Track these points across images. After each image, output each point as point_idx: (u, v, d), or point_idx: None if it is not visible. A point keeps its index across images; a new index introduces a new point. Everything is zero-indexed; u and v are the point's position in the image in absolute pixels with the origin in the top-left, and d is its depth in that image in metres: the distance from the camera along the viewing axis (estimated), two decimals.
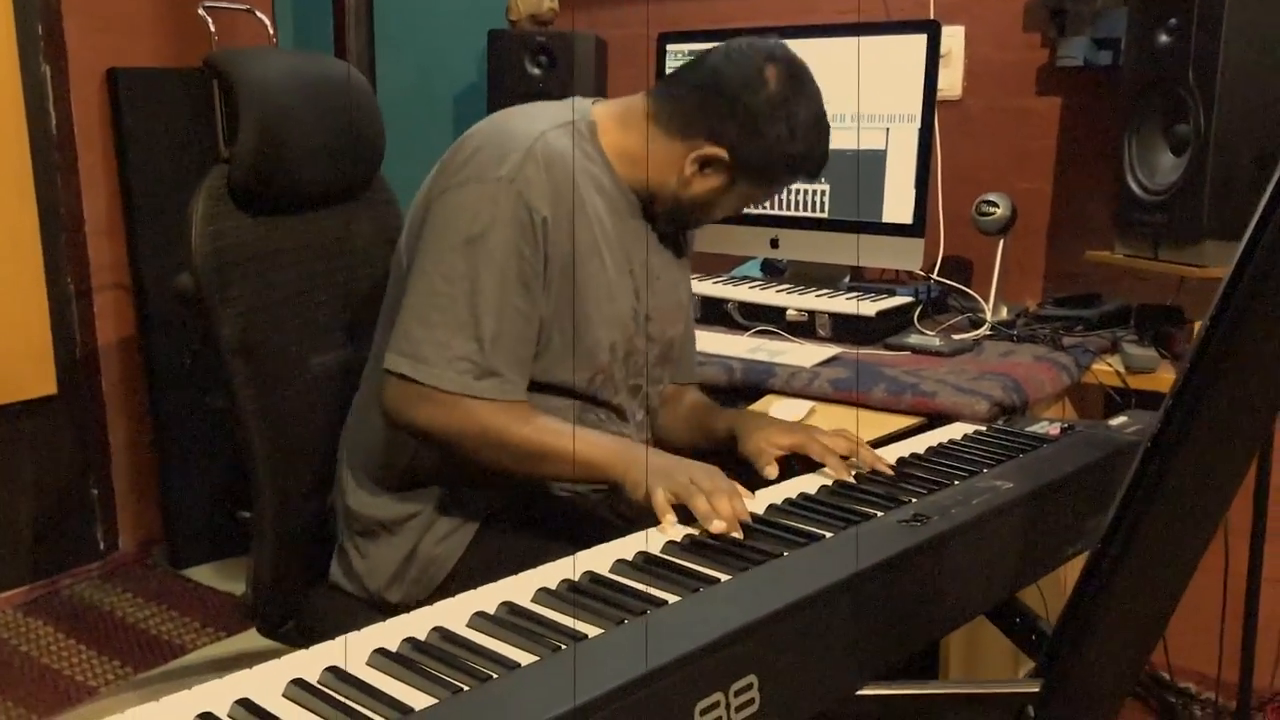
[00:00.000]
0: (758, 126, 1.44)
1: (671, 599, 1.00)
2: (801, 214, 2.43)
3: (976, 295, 2.36)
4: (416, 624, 0.95)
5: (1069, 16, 2.36)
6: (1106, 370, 2.08)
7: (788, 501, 1.28)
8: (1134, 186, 2.03)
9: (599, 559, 1.10)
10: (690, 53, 2.58)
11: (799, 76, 1.47)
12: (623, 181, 1.49)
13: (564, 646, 0.89)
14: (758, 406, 1.91)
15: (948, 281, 2.43)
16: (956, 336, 2.20)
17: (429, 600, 1.43)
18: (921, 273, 2.41)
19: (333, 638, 1.43)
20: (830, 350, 2.09)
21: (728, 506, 1.19)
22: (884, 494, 1.30)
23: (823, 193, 2.40)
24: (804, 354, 2.07)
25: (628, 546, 1.14)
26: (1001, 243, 2.32)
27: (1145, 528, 0.94)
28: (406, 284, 1.39)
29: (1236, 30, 1.80)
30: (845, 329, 2.21)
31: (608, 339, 1.48)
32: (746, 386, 1.98)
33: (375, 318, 1.53)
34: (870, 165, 2.33)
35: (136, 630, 2.81)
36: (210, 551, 3.21)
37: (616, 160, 1.48)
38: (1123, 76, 2.10)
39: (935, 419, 1.83)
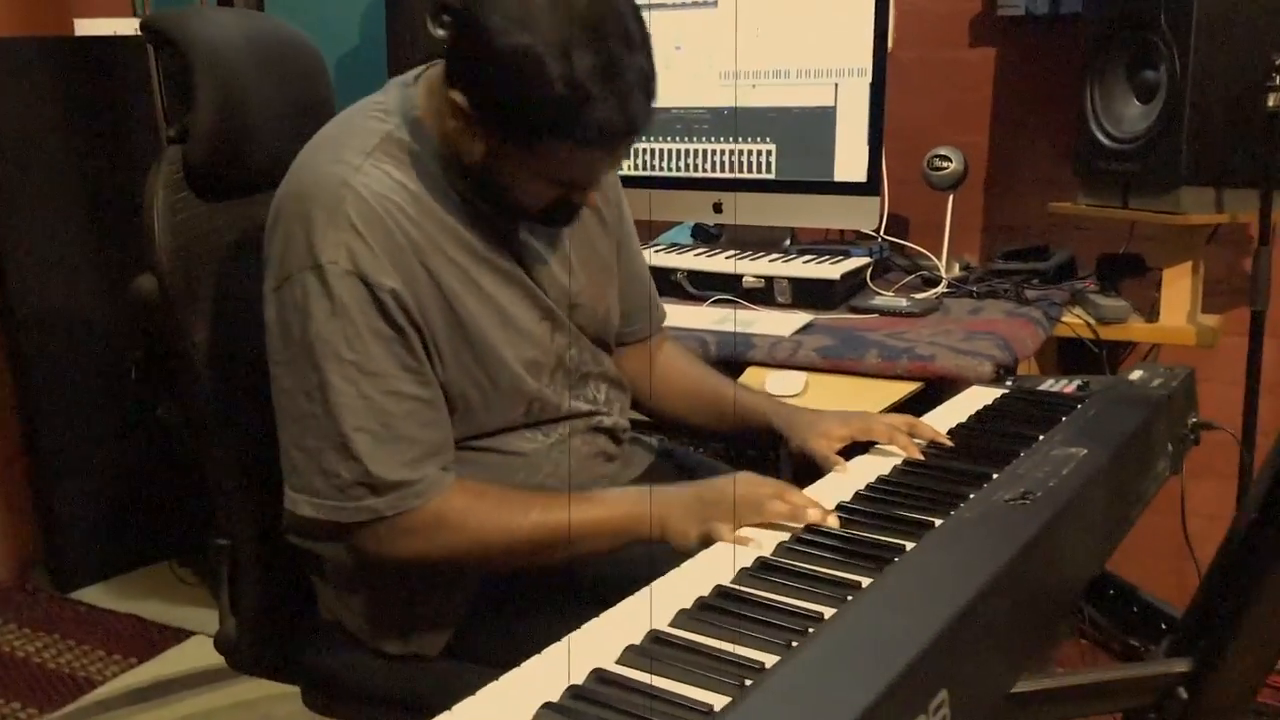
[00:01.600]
0: (491, 59, 1.08)
1: (826, 611, 0.89)
2: (747, 175, 2.33)
3: (929, 253, 2.31)
4: (555, 670, 0.81)
5: None
6: (1077, 322, 2.06)
7: (868, 488, 1.19)
8: (1099, 135, 2.01)
9: (707, 570, 0.98)
10: None
11: (588, 10, 1.08)
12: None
13: (748, 682, 0.77)
14: (746, 380, 1.81)
15: (901, 241, 2.38)
16: (918, 296, 2.15)
17: (450, 650, 1.28)
18: (871, 232, 2.35)
19: (344, 683, 1.32)
20: (801, 317, 2.01)
21: (804, 499, 1.09)
22: (964, 470, 1.22)
23: (769, 153, 2.31)
24: (776, 323, 1.98)
25: (723, 557, 1.03)
26: (951, 198, 2.27)
27: None
28: (271, 395, 1.19)
29: None
30: (805, 294, 2.13)
31: (524, 364, 1.27)
32: (724, 361, 1.88)
33: None
34: (820, 122, 2.24)
35: (30, 666, 2.53)
36: (98, 570, 2.93)
37: (446, 146, 1.20)
38: (1083, 24, 2.07)
39: (933, 383, 1.78)
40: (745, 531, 1.08)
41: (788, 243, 2.41)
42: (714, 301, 2.14)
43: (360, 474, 1.14)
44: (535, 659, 0.83)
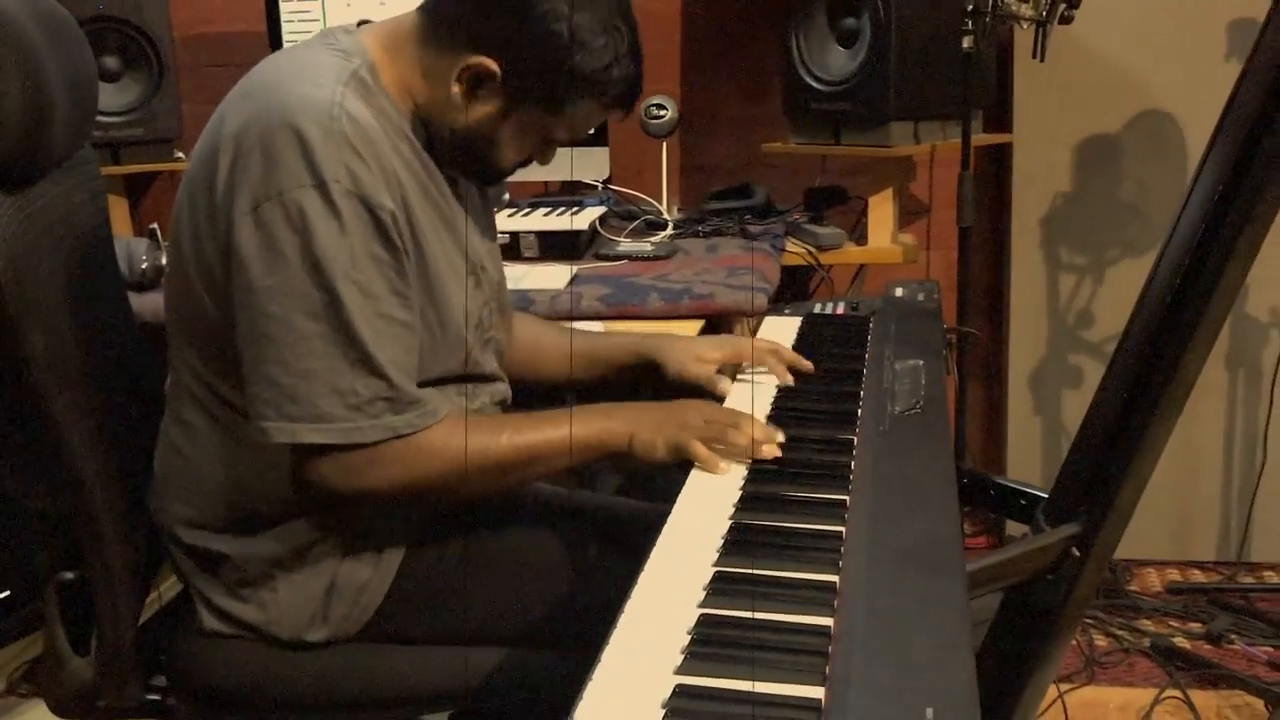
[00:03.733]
0: (533, 28, 1.17)
1: (840, 528, 0.97)
2: None
3: (649, 198, 2.43)
4: (621, 672, 0.79)
5: None
6: (800, 250, 2.26)
7: (774, 414, 1.29)
8: (807, 79, 2.20)
9: (695, 529, 1.02)
10: None
11: None
12: (409, 119, 1.25)
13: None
14: None
15: (622, 189, 2.48)
16: (653, 240, 2.26)
17: (368, 631, 1.25)
18: (592, 181, 2.43)
19: (261, 690, 1.24)
20: (565, 269, 2.05)
21: (761, 429, 1.16)
22: (832, 391, 1.35)
23: None
24: (545, 276, 2.01)
25: (706, 496, 1.08)
26: (665, 145, 2.40)
27: (1181, 367, 1.09)
28: (242, 328, 1.12)
29: None
30: (552, 246, 2.17)
31: (461, 315, 1.29)
32: None
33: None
34: None
35: None
36: None
37: (401, 97, 1.22)
38: None
39: (711, 319, 1.90)
40: (711, 454, 1.14)
41: (506, 196, 2.43)
42: None
43: (381, 389, 1.11)
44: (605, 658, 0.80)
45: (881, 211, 2.27)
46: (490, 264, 1.39)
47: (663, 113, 2.35)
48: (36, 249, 1.20)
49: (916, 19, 2.06)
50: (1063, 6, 1.92)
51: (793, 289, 2.42)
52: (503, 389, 1.39)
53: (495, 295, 1.40)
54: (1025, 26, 1.97)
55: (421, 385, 1.20)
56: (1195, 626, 2.33)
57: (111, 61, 2.46)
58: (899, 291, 1.80)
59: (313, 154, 1.08)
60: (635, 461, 1.20)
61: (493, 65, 1.17)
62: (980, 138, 2.31)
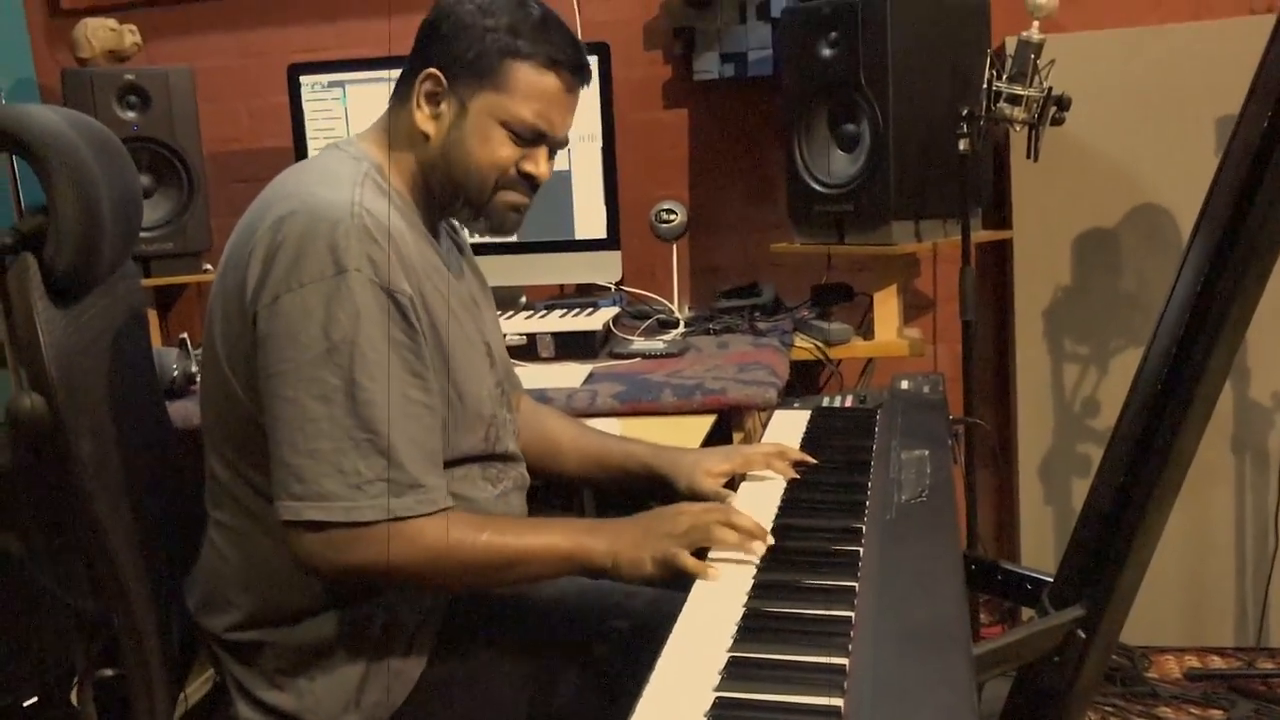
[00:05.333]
0: (456, 27, 1.31)
1: (849, 613, 1.01)
2: (489, 240, 2.40)
3: (660, 298, 2.51)
4: None
5: (698, 34, 2.58)
6: (809, 346, 2.33)
7: (782, 507, 1.33)
8: (810, 182, 2.29)
9: (710, 616, 1.06)
10: (329, 83, 2.45)
11: None
12: (420, 208, 1.37)
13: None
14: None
15: (636, 290, 2.56)
16: (665, 338, 2.33)
17: (401, 717, 1.29)
18: (605, 284, 2.51)
19: None
20: (579, 368, 2.12)
21: (748, 521, 1.20)
22: (841, 482, 1.39)
23: None
24: (562, 375, 2.07)
25: (720, 584, 1.12)
26: (675, 247, 2.48)
27: (1175, 450, 1.14)
28: (266, 415, 1.19)
29: (899, 39, 2.11)
30: (568, 346, 2.24)
31: (487, 387, 1.39)
32: None
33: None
34: (556, 185, 2.37)
35: None
36: None
37: (403, 188, 1.35)
38: (781, 87, 2.35)
39: (724, 414, 1.95)
40: (700, 564, 1.16)
41: (523, 300, 2.51)
42: None
43: (381, 470, 1.16)
44: None
45: (887, 307, 2.33)
46: (497, 344, 1.48)
47: (672, 217, 2.44)
48: (85, 359, 1.27)
49: (913, 124, 2.15)
50: (1053, 110, 2.01)
51: (803, 383, 2.48)
52: (524, 472, 1.45)
53: (506, 376, 1.48)
54: (1018, 129, 2.06)
55: (447, 465, 1.26)
56: (1216, 714, 2.32)
57: (145, 179, 2.57)
58: (904, 384, 1.85)
59: (336, 247, 1.17)
60: (624, 581, 1.23)
61: (434, 71, 1.32)
62: (981, 234, 2.38)
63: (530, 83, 1.32)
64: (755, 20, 2.55)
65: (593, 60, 2.27)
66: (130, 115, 2.52)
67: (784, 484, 1.42)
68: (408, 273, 1.23)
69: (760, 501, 1.37)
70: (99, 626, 1.29)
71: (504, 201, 1.37)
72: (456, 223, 1.52)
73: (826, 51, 2.21)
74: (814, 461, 1.47)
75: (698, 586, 1.12)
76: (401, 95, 1.36)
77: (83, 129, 1.33)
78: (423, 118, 1.33)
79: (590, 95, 2.32)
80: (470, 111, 1.32)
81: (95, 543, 1.22)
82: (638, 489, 1.53)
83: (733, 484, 1.48)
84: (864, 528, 1.23)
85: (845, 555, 1.15)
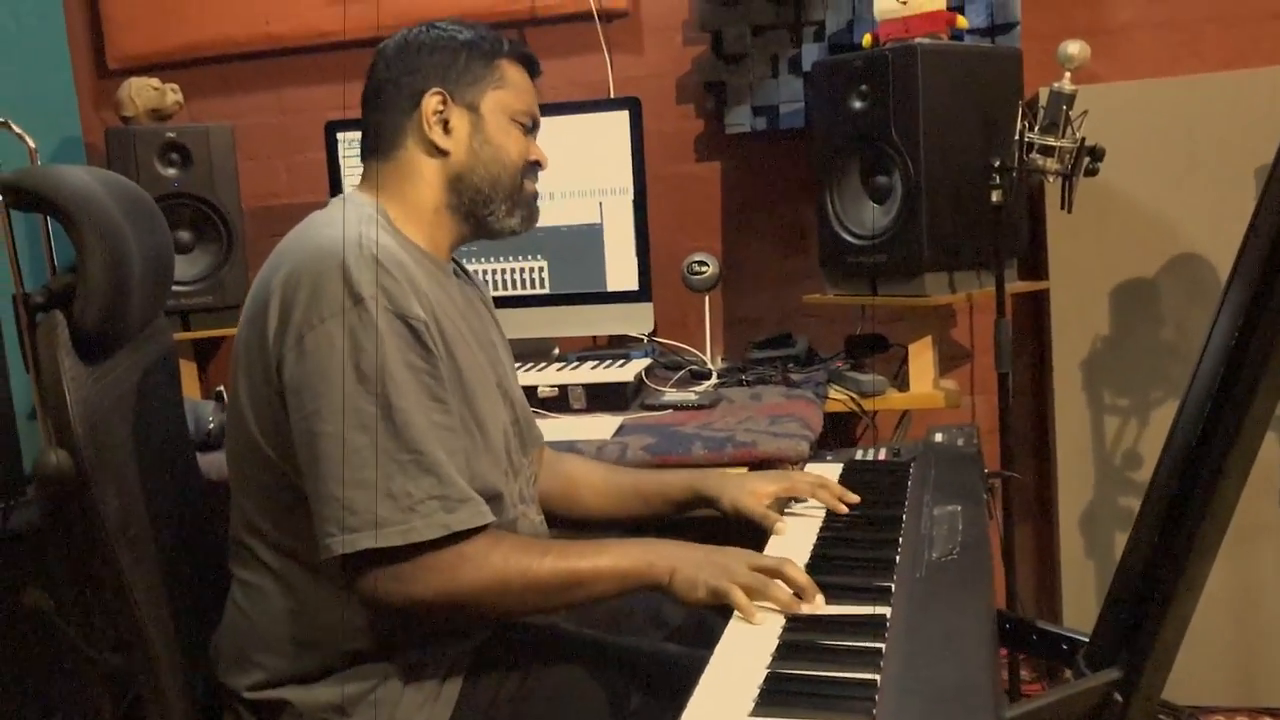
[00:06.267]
0: (430, 50, 1.41)
1: (875, 676, 0.99)
2: (522, 292, 2.43)
3: (692, 349, 2.50)
4: None
5: (729, 88, 2.59)
6: (843, 397, 2.30)
7: (812, 562, 1.31)
8: (843, 234, 2.28)
9: (739, 672, 1.05)
10: None
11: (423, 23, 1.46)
12: (429, 249, 1.41)
13: None
14: None
15: (665, 341, 2.55)
16: (698, 390, 2.32)
17: None
18: (638, 335, 2.50)
19: None
20: (610, 419, 2.11)
21: (803, 577, 1.19)
22: (872, 538, 1.37)
23: (541, 269, 2.42)
24: (592, 427, 2.07)
25: (744, 642, 1.10)
26: (707, 298, 2.48)
27: (1213, 505, 1.10)
28: (302, 457, 1.20)
29: (930, 91, 2.11)
30: (599, 398, 2.23)
31: (502, 425, 1.40)
32: None
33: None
34: (588, 238, 2.39)
35: None
36: None
37: (410, 230, 1.39)
38: (811, 138, 2.35)
39: (755, 466, 1.93)
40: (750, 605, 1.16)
41: (555, 351, 2.52)
42: None
43: (432, 486, 1.17)
44: None
45: (922, 359, 2.31)
46: (514, 391, 1.50)
47: (704, 268, 2.44)
48: (112, 415, 1.28)
49: (945, 175, 2.14)
50: (1087, 161, 1.99)
51: (838, 435, 2.45)
52: (539, 525, 1.45)
53: (526, 425, 1.50)
54: (1051, 180, 2.04)
55: None
56: None
57: (185, 235, 2.61)
58: (938, 437, 1.83)
59: (350, 279, 1.19)
60: (674, 598, 1.23)
61: (436, 96, 1.39)
62: (1016, 285, 2.36)
63: (518, 77, 1.45)
64: (787, 74, 2.56)
65: (624, 115, 2.34)
66: (171, 172, 2.57)
67: (815, 537, 1.40)
68: (420, 297, 1.25)
69: (799, 541, 1.36)
70: (125, 683, 1.28)
71: (530, 190, 1.48)
72: (465, 269, 1.57)
73: (857, 104, 2.21)
74: (856, 499, 1.47)
75: (721, 645, 1.10)
76: (391, 140, 1.41)
77: (115, 189, 1.36)
78: (439, 137, 1.39)
79: (622, 149, 2.35)
80: (484, 113, 1.41)
81: (119, 599, 1.22)
82: (678, 519, 1.53)
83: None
84: (893, 586, 1.20)
85: (873, 616, 1.13)
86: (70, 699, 1.55)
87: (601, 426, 2.06)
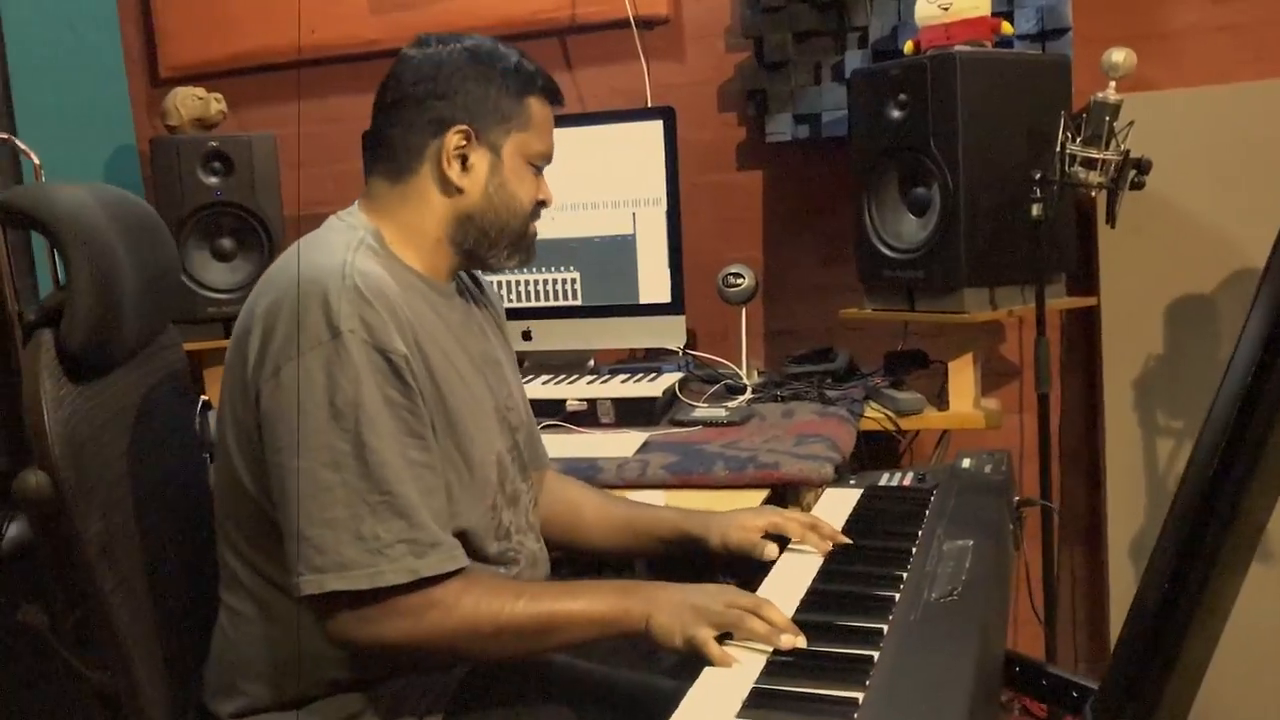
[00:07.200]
0: (459, 83, 1.34)
1: None
2: (554, 304, 2.40)
3: (727, 362, 2.45)
4: None
5: (770, 96, 2.54)
6: (879, 416, 2.24)
7: (806, 602, 1.26)
8: (881, 247, 2.21)
9: (704, 708, 1.01)
10: None
11: (449, 36, 1.39)
12: (426, 272, 1.36)
13: None
14: None
15: (701, 354, 2.50)
16: (730, 405, 2.27)
17: None
18: (674, 348, 2.46)
19: None
20: (635, 436, 2.07)
21: (781, 617, 1.14)
22: (875, 574, 1.31)
23: (574, 280, 2.39)
24: (615, 444, 2.03)
25: (715, 691, 1.06)
26: (744, 311, 2.42)
27: (1223, 555, 1.03)
28: (274, 490, 1.18)
29: (969, 100, 2.04)
30: (628, 412, 2.20)
31: (492, 457, 1.36)
32: None
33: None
34: (621, 249, 2.35)
35: None
36: None
37: (408, 254, 1.35)
38: (852, 150, 2.28)
39: (778, 488, 1.88)
40: (729, 650, 1.12)
41: (591, 363, 2.48)
42: (542, 428, 2.16)
43: (402, 530, 1.14)
44: None
45: (962, 376, 2.23)
46: (518, 406, 1.47)
47: (739, 281, 2.39)
48: (102, 434, 1.27)
49: (985, 187, 2.06)
50: (1133, 174, 1.90)
51: (878, 454, 2.38)
52: (540, 550, 1.42)
53: (528, 445, 1.47)
54: (1095, 194, 1.96)
55: (456, 535, 1.23)
56: None
57: (226, 243, 2.64)
58: (966, 462, 1.75)
59: (329, 311, 1.16)
60: (652, 645, 1.19)
61: (461, 130, 1.33)
62: (1064, 301, 2.27)
63: (543, 116, 1.40)
64: (830, 81, 2.50)
65: (658, 125, 2.30)
66: (213, 181, 2.59)
67: (815, 571, 1.35)
68: (402, 331, 1.21)
69: (786, 589, 1.30)
70: (110, 702, 1.28)
71: (533, 232, 1.44)
72: (479, 282, 1.54)
73: (895, 113, 2.15)
74: (847, 541, 1.41)
75: (695, 688, 1.06)
76: (405, 162, 1.35)
77: (115, 206, 1.36)
78: (456, 174, 1.34)
79: (656, 158, 2.31)
80: (504, 156, 1.37)
81: (100, 620, 1.21)
82: (669, 555, 1.49)
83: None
84: (885, 629, 1.15)
85: (857, 661, 1.07)
86: (66, 717, 1.56)
87: (626, 443, 2.03)
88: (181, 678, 1.33)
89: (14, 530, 1.26)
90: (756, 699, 1.02)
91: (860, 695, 1.00)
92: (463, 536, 1.27)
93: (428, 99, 1.34)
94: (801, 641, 1.12)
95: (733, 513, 1.48)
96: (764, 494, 1.86)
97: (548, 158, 1.43)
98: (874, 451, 2.37)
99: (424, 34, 1.40)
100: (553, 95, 1.42)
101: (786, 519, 1.43)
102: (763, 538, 1.43)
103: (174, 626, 1.33)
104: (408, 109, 1.34)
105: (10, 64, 2.29)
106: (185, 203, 2.57)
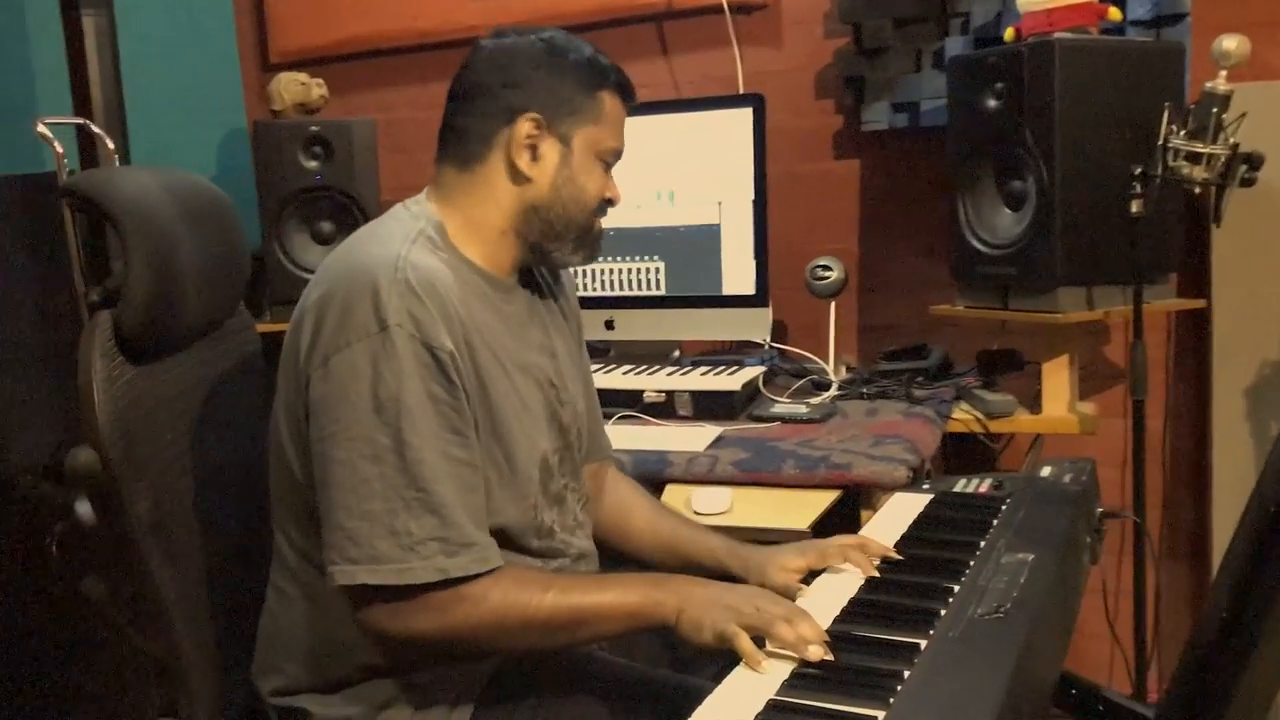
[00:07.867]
0: (540, 69, 1.33)
1: None
2: (637, 293, 2.38)
3: (815, 357, 2.39)
4: None
5: (867, 84, 2.47)
6: (967, 418, 2.16)
7: (845, 612, 1.21)
8: (974, 242, 2.13)
9: (720, 715, 0.98)
10: None
11: (525, 27, 1.39)
12: (487, 267, 1.35)
13: None
14: (669, 499, 1.82)
15: (790, 348, 2.45)
16: (813, 401, 2.21)
17: None
18: (759, 340, 2.41)
19: None
20: (709, 430, 2.04)
21: (811, 629, 1.10)
22: (925, 585, 1.26)
23: (658, 270, 2.36)
24: (688, 438, 2.00)
25: (737, 695, 1.03)
26: (833, 305, 2.36)
27: None
28: (316, 478, 1.19)
29: (1067, 90, 1.94)
30: (706, 405, 2.17)
31: (536, 458, 1.34)
32: (643, 479, 1.89)
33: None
34: (706, 239, 2.32)
35: None
36: None
37: (471, 247, 1.33)
38: (948, 140, 2.20)
39: (851, 490, 1.83)
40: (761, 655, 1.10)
41: (677, 354, 2.46)
42: (619, 418, 2.15)
43: (434, 528, 1.15)
44: None
45: (1057, 379, 2.13)
46: (573, 399, 1.44)
47: (828, 274, 2.33)
48: (156, 414, 1.30)
49: (1084, 182, 1.96)
50: (1243, 169, 1.78)
51: (972, 457, 2.30)
52: (587, 547, 1.40)
53: (590, 437, 1.47)
54: (1200, 190, 1.84)
55: (494, 532, 1.23)
56: None
57: (326, 225, 2.69)
58: (1045, 471, 1.68)
59: (380, 303, 1.16)
60: (681, 639, 1.18)
61: (532, 118, 1.32)
62: (1171, 303, 2.15)
63: (615, 111, 1.39)
64: (930, 68, 2.41)
65: (747, 112, 2.25)
66: (313, 164, 2.64)
67: (861, 581, 1.30)
68: (450, 328, 1.20)
69: (829, 599, 1.26)
70: (161, 674, 1.32)
71: (598, 229, 1.42)
72: (551, 273, 1.51)
73: (992, 103, 2.06)
74: (897, 557, 1.35)
75: (719, 690, 1.04)
76: (475, 150, 1.34)
77: (182, 192, 1.39)
78: (525, 163, 1.33)
79: (744, 147, 2.26)
80: (575, 148, 1.35)
81: (149, 593, 1.25)
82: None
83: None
84: (923, 644, 1.10)
85: (885, 677, 1.03)
86: (125, 686, 1.62)
87: (700, 437, 2.00)
88: (233, 654, 1.36)
89: (83, 507, 1.30)
90: (771, 711, 0.99)
91: (881, 714, 0.96)
92: (502, 532, 1.27)
93: (500, 87, 1.33)
94: (828, 655, 1.08)
95: (775, 551, 1.42)
96: (834, 495, 1.81)
97: (618, 154, 1.41)
98: (964, 455, 2.29)
99: (502, 25, 1.39)
100: (626, 92, 1.40)
101: (826, 555, 1.36)
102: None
103: (226, 605, 1.36)
104: (480, 97, 1.34)
105: (121, 46, 2.36)
106: (286, 185, 2.63)
